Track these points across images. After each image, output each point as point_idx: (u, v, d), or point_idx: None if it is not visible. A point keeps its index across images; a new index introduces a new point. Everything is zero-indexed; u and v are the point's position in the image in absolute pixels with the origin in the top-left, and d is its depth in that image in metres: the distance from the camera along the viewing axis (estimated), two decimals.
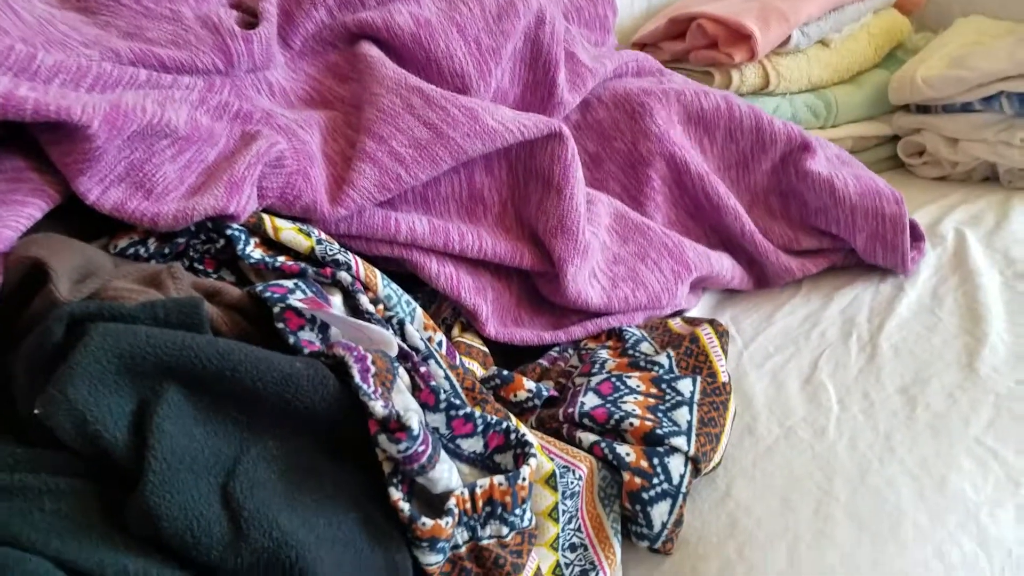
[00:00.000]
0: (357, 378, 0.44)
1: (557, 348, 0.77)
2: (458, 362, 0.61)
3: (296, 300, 0.48)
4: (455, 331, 0.74)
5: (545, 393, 0.66)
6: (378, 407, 0.43)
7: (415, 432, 0.43)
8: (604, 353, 0.73)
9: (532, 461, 0.50)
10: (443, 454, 0.46)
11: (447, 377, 0.55)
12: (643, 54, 1.02)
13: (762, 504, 0.60)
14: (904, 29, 1.29)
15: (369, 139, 0.64)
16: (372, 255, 0.68)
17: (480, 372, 0.69)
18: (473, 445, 0.51)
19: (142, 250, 0.51)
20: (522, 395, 0.66)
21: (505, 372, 0.67)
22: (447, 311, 0.75)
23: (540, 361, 0.75)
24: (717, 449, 0.62)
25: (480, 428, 0.51)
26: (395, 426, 0.43)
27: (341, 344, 0.46)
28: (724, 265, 0.86)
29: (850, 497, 0.59)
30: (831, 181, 0.88)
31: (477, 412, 0.50)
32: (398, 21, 0.74)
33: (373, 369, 0.46)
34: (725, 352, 0.72)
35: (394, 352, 0.50)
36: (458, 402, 0.50)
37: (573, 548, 0.55)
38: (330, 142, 0.65)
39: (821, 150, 0.93)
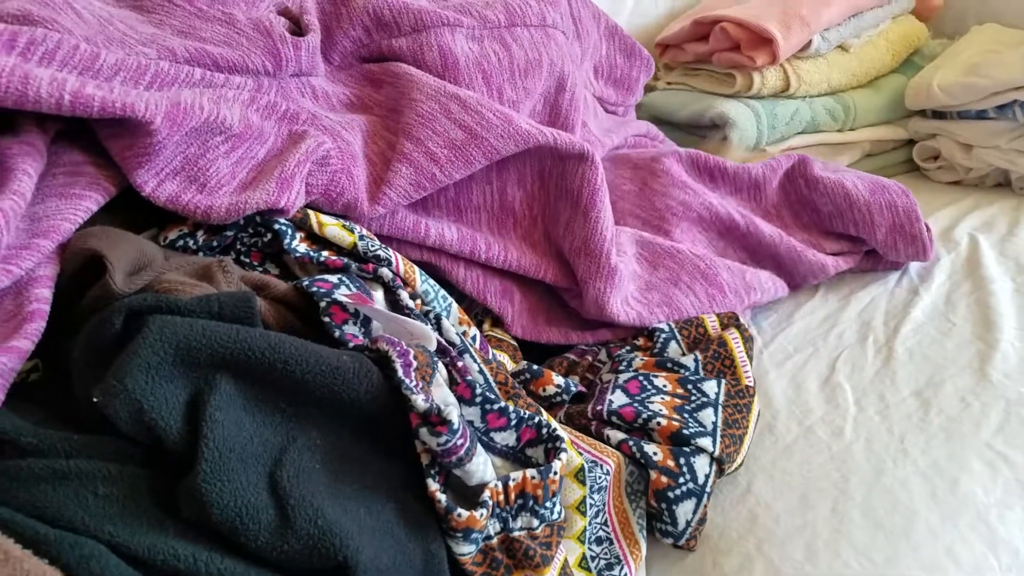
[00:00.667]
0: (400, 372, 0.46)
1: (585, 344, 0.78)
2: (491, 356, 0.62)
3: (341, 295, 0.49)
4: (485, 326, 0.76)
5: (573, 389, 0.68)
6: (420, 401, 0.45)
7: (455, 426, 0.45)
8: (633, 353, 0.74)
9: (563, 455, 0.51)
10: (479, 447, 0.48)
11: (481, 371, 0.56)
12: (646, 125, 1.06)
13: (781, 501, 0.61)
14: (921, 35, 1.30)
15: (407, 141, 0.66)
16: None
17: (510, 365, 0.70)
18: (506, 439, 0.52)
19: (191, 242, 0.53)
20: (551, 390, 0.67)
21: (535, 367, 0.69)
22: (478, 307, 0.77)
23: (568, 355, 0.76)
24: (740, 450, 0.64)
25: (514, 422, 0.52)
26: (436, 420, 0.45)
27: (384, 339, 0.48)
28: (762, 280, 0.85)
29: (866, 496, 0.60)
30: (842, 183, 0.90)
31: (511, 407, 0.52)
32: (426, 59, 0.76)
33: (415, 364, 0.47)
34: (750, 357, 0.74)
35: (433, 347, 0.52)
36: (493, 396, 0.51)
37: (599, 541, 0.57)
38: (370, 144, 0.67)
39: (815, 161, 0.95)
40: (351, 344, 0.48)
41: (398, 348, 0.47)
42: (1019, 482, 0.61)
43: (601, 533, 0.57)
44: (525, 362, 0.70)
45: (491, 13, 0.80)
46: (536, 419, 0.53)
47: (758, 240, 0.88)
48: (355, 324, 0.49)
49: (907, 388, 0.72)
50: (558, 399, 0.67)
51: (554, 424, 0.53)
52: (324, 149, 0.57)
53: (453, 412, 0.45)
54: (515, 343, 0.74)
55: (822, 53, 1.14)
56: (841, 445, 0.66)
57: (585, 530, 0.56)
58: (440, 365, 0.51)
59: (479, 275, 0.73)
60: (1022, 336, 0.77)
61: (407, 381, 0.45)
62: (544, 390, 0.67)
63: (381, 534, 0.45)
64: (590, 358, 0.76)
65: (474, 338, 0.61)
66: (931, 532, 0.57)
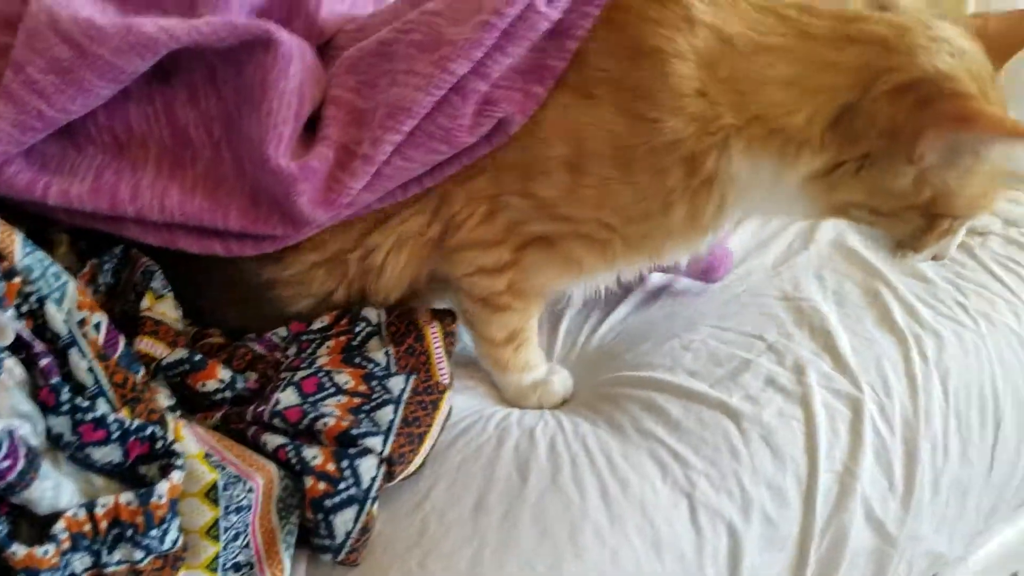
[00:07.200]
0: None
1: (279, 335, 0.68)
2: (119, 349, 0.52)
3: None
4: (145, 302, 0.63)
5: (240, 385, 0.60)
6: None
7: None
8: (323, 349, 0.67)
9: (175, 474, 0.43)
10: (45, 470, 0.39)
11: (91, 370, 0.47)
12: None
13: (456, 508, 0.58)
14: None
15: (9, 70, 0.53)
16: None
17: (163, 353, 0.60)
18: (108, 455, 0.44)
19: None
20: (212, 385, 0.59)
21: (197, 357, 0.60)
22: (137, 277, 0.65)
23: (254, 347, 0.67)
24: (419, 451, 0.59)
25: (116, 435, 0.44)
26: None
27: None
28: None
29: (539, 498, 0.59)
30: None
31: (112, 416, 0.43)
32: None
33: None
34: (449, 354, 0.69)
35: (7, 340, 0.42)
36: (86, 404, 0.42)
37: (237, 568, 0.50)
38: None
39: None
40: None
41: None
42: (689, 480, 0.61)
43: (241, 558, 0.50)
44: (185, 351, 0.60)
45: None
46: (149, 430, 0.44)
47: None
48: None
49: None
50: (219, 396, 0.59)
51: (171, 436, 0.45)
52: None
53: None
54: (179, 326, 0.63)
55: None
56: (527, 443, 0.64)
57: (218, 557, 0.49)
58: (12, 364, 0.41)
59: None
60: (716, 334, 0.78)
61: None
62: (203, 385, 0.59)
63: None
64: (279, 354, 0.67)
65: (98, 326, 0.51)
66: (598, 537, 0.57)
